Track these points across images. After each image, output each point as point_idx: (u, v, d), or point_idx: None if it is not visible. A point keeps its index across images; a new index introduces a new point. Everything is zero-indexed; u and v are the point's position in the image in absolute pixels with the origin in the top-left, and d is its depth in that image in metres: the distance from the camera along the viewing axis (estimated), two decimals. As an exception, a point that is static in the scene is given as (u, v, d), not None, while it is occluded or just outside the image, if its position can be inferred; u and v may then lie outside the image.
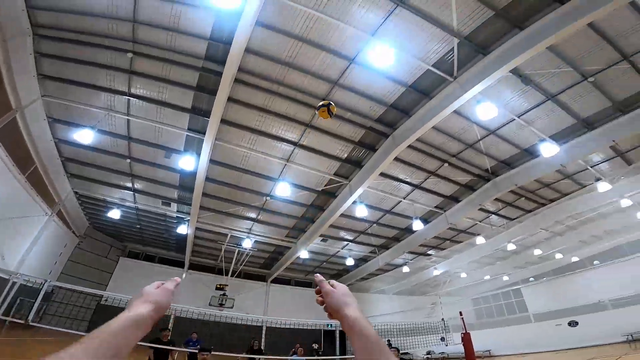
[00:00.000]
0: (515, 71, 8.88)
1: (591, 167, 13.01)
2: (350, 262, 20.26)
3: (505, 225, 17.41)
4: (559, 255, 22.76)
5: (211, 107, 9.54)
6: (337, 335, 24.45)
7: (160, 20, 8.34)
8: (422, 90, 9.64)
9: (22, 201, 12.85)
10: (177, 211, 16.34)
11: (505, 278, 26.64)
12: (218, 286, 20.52)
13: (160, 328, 6.99)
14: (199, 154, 11.32)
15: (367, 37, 8.13)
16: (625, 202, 14.51)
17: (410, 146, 11.45)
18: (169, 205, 15.98)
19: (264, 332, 21.49)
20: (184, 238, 18.00)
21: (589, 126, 10.82)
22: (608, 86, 9.53)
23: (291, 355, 12.14)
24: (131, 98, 10.34)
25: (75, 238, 18.67)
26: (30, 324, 11.58)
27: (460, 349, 11.28)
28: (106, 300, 17.40)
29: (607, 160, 13.05)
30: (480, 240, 16.98)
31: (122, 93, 10.24)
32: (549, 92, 9.71)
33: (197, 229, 16.50)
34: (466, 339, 10.63)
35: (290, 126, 11.02)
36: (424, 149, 12.14)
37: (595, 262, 22.59)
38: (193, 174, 12.34)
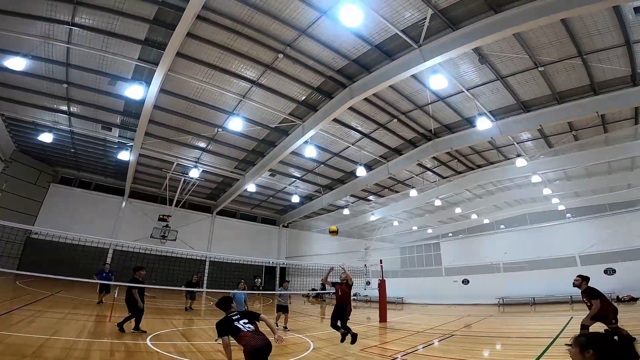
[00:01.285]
0: (476, 49, 9.59)
1: (517, 143, 15.02)
2: (296, 199, 21.26)
3: (437, 182, 19.46)
4: (474, 216, 26.06)
5: (167, 40, 9.07)
6: (277, 271, 26.29)
7: None
8: (386, 52, 10.05)
9: None
10: (119, 136, 15.43)
11: (430, 230, 29.84)
12: (161, 217, 19.97)
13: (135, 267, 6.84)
14: (148, 83, 10.80)
15: None
16: (536, 178, 16.95)
17: (365, 98, 12.07)
18: (110, 130, 14.99)
19: (207, 266, 22.12)
20: (125, 164, 17.22)
21: (525, 108, 12.35)
22: (554, 77, 10.78)
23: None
24: (74, 27, 9.33)
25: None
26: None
27: (377, 293, 12.67)
28: (37, 234, 16.09)
29: (532, 140, 15.13)
30: (413, 192, 18.87)
31: (64, 22, 9.20)
32: (500, 73, 10.73)
33: (141, 155, 15.96)
34: (381, 286, 12.12)
35: (251, 65, 10.85)
36: (378, 103, 12.84)
37: (501, 226, 26.14)
38: (140, 102, 11.77)
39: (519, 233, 22.47)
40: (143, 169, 18.72)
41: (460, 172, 18.33)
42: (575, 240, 18.14)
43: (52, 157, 18.87)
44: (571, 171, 18.37)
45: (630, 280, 14.13)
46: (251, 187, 18.66)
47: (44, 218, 18.27)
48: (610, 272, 15.15)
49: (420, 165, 17.55)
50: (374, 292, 16.63)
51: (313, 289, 22.36)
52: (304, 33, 9.49)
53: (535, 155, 15.72)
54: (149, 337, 6.01)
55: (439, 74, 9.77)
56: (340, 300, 6.49)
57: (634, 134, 13.51)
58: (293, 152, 15.22)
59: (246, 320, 3.47)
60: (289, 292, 9.38)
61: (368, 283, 16.46)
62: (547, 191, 19.43)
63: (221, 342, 3.50)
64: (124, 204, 20.95)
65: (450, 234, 28.85)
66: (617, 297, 13.96)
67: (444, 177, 19.30)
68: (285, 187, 21.16)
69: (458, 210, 24.14)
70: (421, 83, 11.48)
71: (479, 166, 17.94)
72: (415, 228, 29.29)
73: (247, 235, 25.46)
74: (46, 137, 14.59)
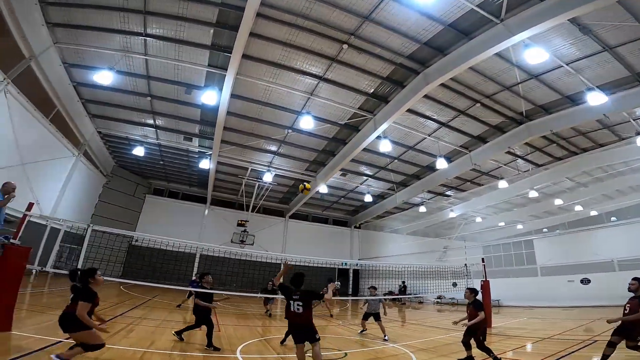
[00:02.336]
0: (573, 20, 8.06)
1: (634, 120, 12.10)
2: (368, 198, 20.45)
3: (531, 171, 16.87)
4: (578, 208, 21.89)
5: (232, 43, 9.13)
6: (351, 274, 25.65)
7: None
8: (462, 30, 8.91)
9: (50, 144, 13.23)
10: (199, 146, 16.47)
11: (520, 226, 26.28)
12: (240, 222, 21.24)
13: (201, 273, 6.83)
14: (220, 89, 11.08)
15: None
16: None
17: (442, 84, 10.91)
18: (191, 140, 16.10)
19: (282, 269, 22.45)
20: (205, 173, 18.47)
21: None
22: None
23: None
24: (147, 38, 9.98)
25: (102, 177, 19.36)
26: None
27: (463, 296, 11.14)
28: (136, 240, 18.15)
29: None
30: (503, 184, 16.61)
31: (138, 34, 9.89)
32: (607, 43, 8.84)
33: (218, 163, 16.76)
34: (485, 287, 10.40)
35: (315, 60, 10.49)
36: (456, 88, 11.49)
37: (612, 218, 21.89)
38: (214, 109, 12.22)
39: (634, 225, 18.45)
40: (221, 176, 19.79)
41: (560, 158, 15.65)
42: None
43: (145, 170, 21.11)
44: None
45: None
46: (322, 189, 18.33)
47: (141, 227, 20.54)
48: None
49: (509, 153, 15.36)
50: (459, 295, 15.03)
51: (390, 292, 21.26)
52: (367, 19, 8.82)
53: None
54: (240, 347, 5.76)
55: (533, 47, 8.24)
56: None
57: None
58: (365, 149, 14.44)
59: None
60: (378, 297, 8.58)
61: (454, 284, 14.74)
62: None
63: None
64: (206, 211, 22.64)
65: (545, 229, 25.38)
66: None
67: (539, 165, 16.63)
68: (357, 187, 20.48)
69: (558, 201, 20.64)
70: (507, 61, 9.97)
71: (584, 150, 15.02)
72: (502, 224, 26.06)
73: (319, 237, 25.45)
74: (139, 151, 16.21)
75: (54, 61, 10.97)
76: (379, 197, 22.14)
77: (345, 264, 25.47)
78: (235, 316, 10.10)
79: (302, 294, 4.04)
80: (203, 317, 5.45)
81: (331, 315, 11.74)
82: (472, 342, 4.96)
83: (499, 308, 17.46)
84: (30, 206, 4.95)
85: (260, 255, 18.25)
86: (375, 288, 8.70)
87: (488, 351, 4.86)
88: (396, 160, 16.74)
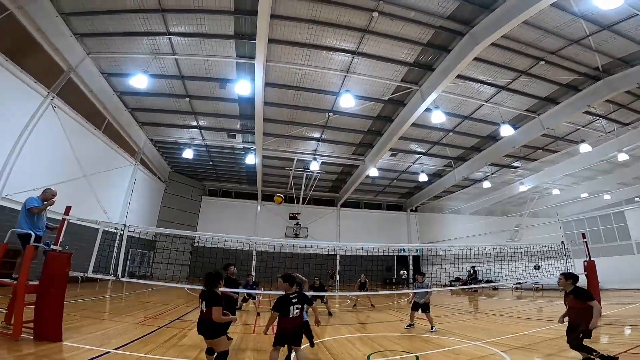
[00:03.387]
0: None
1: None
2: (423, 177, 19.03)
3: (616, 131, 14.13)
4: None
5: (254, 29, 8.62)
6: (411, 260, 24.30)
7: None
8: None
9: (107, 155, 14.06)
10: (243, 141, 16.53)
11: (607, 197, 22.33)
12: (292, 215, 21.22)
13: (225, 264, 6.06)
14: (253, 80, 10.70)
15: None
16: None
17: (494, 44, 9.47)
18: (234, 137, 16.22)
19: (337, 261, 22.14)
20: (253, 169, 18.59)
21: None
22: None
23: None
24: (172, 37, 9.90)
25: (162, 184, 20.59)
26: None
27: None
28: (198, 241, 18.64)
29: None
30: (585, 147, 14.06)
31: (162, 34, 9.82)
32: None
33: (264, 157, 16.72)
34: (590, 268, 8.45)
35: (346, 34, 9.64)
36: (512, 46, 9.95)
37: None
38: (251, 101, 11.94)
39: None
40: (268, 170, 19.87)
41: None
42: None
43: (198, 173, 22.05)
44: None
45: None
46: (373, 172, 17.36)
47: (201, 227, 21.75)
48: None
49: (588, 112, 12.97)
50: (545, 280, 13.09)
51: (457, 278, 19.68)
52: None
53: None
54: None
55: None
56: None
57: None
58: (414, 124, 13.17)
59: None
60: (424, 286, 7.46)
61: (537, 267, 12.75)
62: None
63: None
64: (258, 207, 23.17)
65: (637, 198, 21.20)
66: None
67: (625, 124, 13.86)
68: (410, 167, 19.11)
69: None
70: (569, 13, 8.40)
71: None
72: (585, 195, 22.47)
73: (373, 224, 24.61)
74: (188, 154, 16.84)
75: (93, 72, 11.40)
76: (434, 176, 20.50)
77: (404, 250, 24.27)
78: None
79: (300, 297, 3.72)
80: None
81: (372, 305, 10.91)
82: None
83: (602, 292, 15.04)
84: (67, 210, 4.93)
85: (315, 247, 18.08)
86: (423, 274, 7.59)
87: (589, 350, 3.74)
88: (451, 133, 15.13)
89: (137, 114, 14.53)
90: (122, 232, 5.77)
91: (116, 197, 15.25)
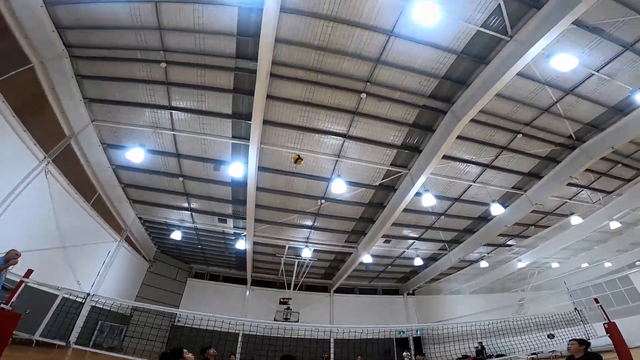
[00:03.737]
0: (580, 23, 7.60)
1: None
2: (418, 262, 18.49)
3: (602, 201, 14.52)
4: None
5: (251, 109, 8.97)
6: (412, 342, 22.50)
7: (185, 23, 8.07)
8: (477, 56, 8.45)
9: (91, 229, 13.39)
10: (234, 227, 16.20)
11: (608, 264, 22.31)
12: (282, 300, 20.13)
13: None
14: (247, 162, 10.84)
15: (402, 3, 7.26)
16: None
17: (473, 120, 10.06)
18: (225, 221, 15.90)
19: (332, 344, 20.44)
20: (243, 254, 17.88)
21: None
22: None
23: None
24: (173, 111, 10.26)
25: (145, 263, 19.54)
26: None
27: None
28: (179, 321, 17.90)
29: None
30: (576, 220, 14.23)
31: (164, 107, 10.17)
32: (624, 41, 8.12)
33: (254, 243, 16.22)
34: (613, 329, 8.21)
35: (336, 116, 10.16)
36: (491, 122, 10.57)
37: None
38: (244, 185, 11.98)
39: None
40: (259, 256, 19.16)
41: (630, 179, 13.69)
42: None
43: (185, 255, 21.08)
44: None
45: None
46: (366, 259, 16.92)
47: (184, 309, 19.85)
48: None
49: (571, 184, 13.42)
50: (562, 347, 11.95)
51: (465, 356, 17.92)
52: (378, 62, 8.60)
53: None
54: None
55: (558, 54, 7.64)
56: None
57: None
58: (405, 209, 13.18)
59: None
60: None
61: (551, 336, 11.67)
62: None
63: None
64: (247, 292, 21.91)
65: (638, 262, 20.99)
66: None
67: (609, 192, 14.37)
68: (404, 252, 18.72)
69: None
70: (534, 80, 9.18)
71: None
72: (584, 265, 22.21)
73: (369, 309, 23.33)
74: (176, 235, 16.29)
75: (93, 141, 11.24)
76: (430, 260, 20.04)
77: (402, 332, 22.54)
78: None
79: None
80: None
81: None
82: None
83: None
84: (28, 273, 5.12)
85: (308, 331, 16.46)
86: (423, 354, 6.82)
87: None
88: (443, 217, 15.19)
89: (129, 190, 14.25)
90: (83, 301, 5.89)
91: (93, 271, 14.13)
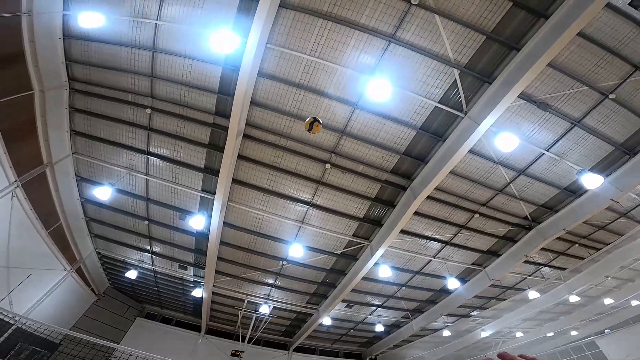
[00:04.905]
0: (529, 98, 8.07)
1: None
2: (380, 328, 18.15)
3: (562, 277, 14.89)
4: (635, 302, 18.95)
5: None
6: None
7: (175, 74, 8.55)
8: (435, 132, 8.84)
9: (42, 254, 12.69)
10: (194, 275, 15.65)
11: (574, 333, 22.43)
12: (233, 352, 18.70)
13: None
14: (211, 217, 10.87)
15: (366, 78, 7.80)
16: None
17: (433, 198, 10.51)
18: (186, 269, 15.40)
19: None
20: (200, 302, 17.10)
21: (630, 151, 9.23)
22: (633, 101, 8.28)
23: None
24: (149, 157, 10.39)
25: (93, 296, 18.23)
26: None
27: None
28: (116, 357, 15.94)
29: None
30: (533, 294, 14.55)
31: (142, 151, 10.34)
32: (572, 116, 8.55)
33: (213, 293, 15.67)
34: None
35: (302, 184, 10.43)
36: (450, 200, 10.92)
37: None
38: (208, 237, 11.78)
39: None
40: (217, 306, 18.38)
41: (587, 258, 14.09)
42: None
43: (140, 294, 19.92)
44: None
45: None
46: (327, 321, 16.62)
47: (125, 345, 18.28)
48: None
49: (529, 262, 13.73)
50: None
51: None
52: (343, 133, 9.00)
53: None
54: None
55: (502, 133, 7.80)
56: None
57: None
58: (368, 278, 13.29)
59: None
60: None
61: None
62: None
63: None
64: (200, 340, 20.54)
65: (607, 330, 21.24)
66: None
67: (564, 269, 14.74)
68: (366, 318, 18.35)
69: (608, 301, 17.75)
70: (488, 159, 9.56)
71: (609, 244, 13.45)
72: (550, 334, 22.18)
73: None
74: (131, 274, 15.63)
75: (69, 172, 11.16)
76: (393, 327, 19.65)
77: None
78: None
79: None
80: None
81: None
82: None
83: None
84: None
85: None
86: None
87: None
88: (404, 288, 15.17)
89: (93, 224, 13.80)
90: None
91: (33, 295, 13.27)
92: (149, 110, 9.31)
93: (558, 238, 11.93)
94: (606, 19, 6.95)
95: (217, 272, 13.98)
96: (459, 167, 9.72)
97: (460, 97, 7.97)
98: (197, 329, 20.73)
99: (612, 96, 8.14)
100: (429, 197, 10.04)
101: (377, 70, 7.71)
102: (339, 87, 8.20)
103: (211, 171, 10.30)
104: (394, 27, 7.15)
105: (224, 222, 11.55)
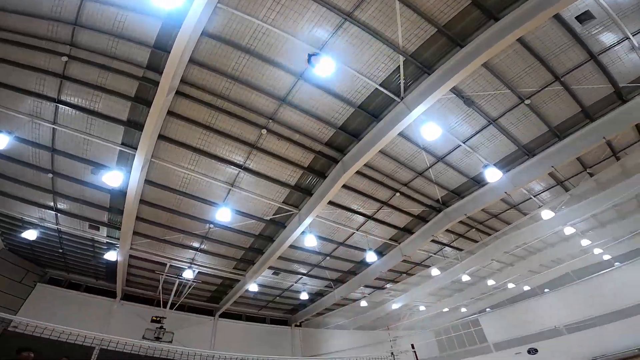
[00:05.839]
0: (458, 93, 8.97)
1: (534, 196, 13.40)
2: (304, 296, 19.05)
3: (459, 257, 17.12)
4: (511, 285, 22.94)
5: None
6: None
7: (104, 25, 7.68)
8: (372, 112, 9.36)
9: None
10: (108, 236, 14.42)
11: (464, 310, 26.35)
12: (154, 318, 17.68)
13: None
14: (130, 172, 10.06)
15: (315, 52, 7.82)
16: (569, 230, 14.90)
17: (362, 174, 11.17)
18: (98, 229, 14.08)
19: None
20: (115, 266, 15.82)
21: (530, 153, 11.01)
22: (544, 109, 9.81)
23: None
24: (60, 105, 9.19)
25: None
26: None
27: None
28: (15, 327, 14.45)
29: (548, 189, 13.54)
30: (435, 272, 16.59)
31: (51, 99, 9.10)
32: (490, 115, 9.80)
33: (131, 256, 14.71)
34: None
35: (236, 147, 10.22)
36: (376, 177, 11.74)
37: (545, 290, 22.86)
38: (125, 194, 10.91)
39: (571, 290, 19.07)
40: (135, 271, 17.29)
41: (481, 242, 16.34)
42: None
43: (41, 258, 17.78)
44: (602, 216, 16.27)
45: None
46: (253, 287, 16.80)
47: (25, 315, 16.26)
48: None
49: (435, 241, 15.56)
50: None
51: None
52: (284, 102, 9.02)
53: (557, 206, 13.62)
54: None
55: (429, 122, 8.80)
56: None
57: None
58: (295, 247, 13.78)
59: None
60: None
61: None
62: (585, 242, 17.27)
63: None
64: (115, 306, 19.04)
65: (488, 309, 25.43)
66: None
67: (463, 250, 17.08)
68: (292, 285, 19.00)
69: (491, 282, 21.25)
70: (415, 144, 10.55)
71: (499, 231, 15.82)
72: (446, 310, 25.83)
73: (255, 338, 22.38)
74: (30, 235, 13.79)
75: None
76: (317, 295, 20.69)
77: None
78: None
79: None
80: None
81: None
82: None
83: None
84: None
85: (184, 353, 15.02)
86: None
87: None
88: (329, 258, 16.03)
89: None
90: None
91: None
92: (64, 58, 8.28)
93: (460, 222, 13.76)
94: (548, 29, 7.84)
95: (135, 233, 13.13)
96: (388, 147, 10.47)
97: (400, 83, 8.49)
98: (111, 295, 19.20)
99: (527, 102, 9.45)
100: (357, 172, 10.70)
101: (327, 46, 7.81)
102: (286, 57, 8.14)
103: (135, 125, 9.52)
104: (354, 6, 7.26)
105: (147, 180, 10.86)
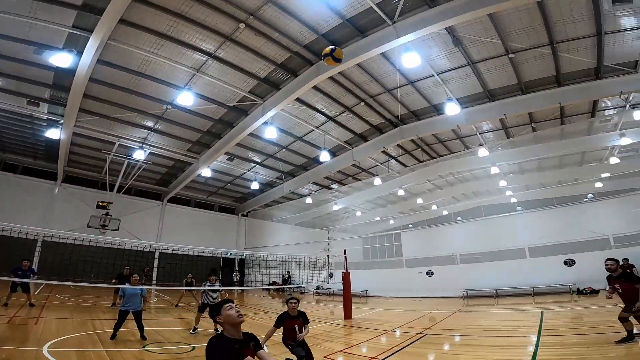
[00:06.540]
0: (450, 31, 9.21)
1: (480, 133, 15.09)
2: (255, 185, 20.15)
3: (401, 172, 19.18)
4: (434, 207, 26.31)
5: (108, 4, 7.62)
6: (237, 264, 24.89)
7: None
8: (359, 28, 9.36)
9: None
10: (49, 112, 13.18)
11: (392, 222, 29.61)
12: (100, 203, 17.35)
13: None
14: (80, 53, 9.24)
15: None
16: (494, 170, 17.20)
17: (333, 79, 11.45)
18: (37, 105, 12.74)
19: (156, 258, 20.34)
20: (57, 145, 14.93)
21: (491, 97, 12.27)
22: (522, 66, 10.69)
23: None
24: None
25: None
26: None
27: (341, 286, 11.53)
28: None
29: (493, 131, 15.31)
30: (377, 181, 18.55)
31: None
32: (472, 58, 10.45)
33: (75, 134, 13.90)
34: (345, 279, 11.21)
35: (207, 36, 9.65)
36: (345, 84, 12.12)
37: (458, 217, 26.97)
38: (73, 73, 10.04)
39: (475, 225, 23.46)
40: (79, 150, 16.44)
41: (423, 162, 18.26)
42: (524, 233, 19.46)
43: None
44: (525, 164, 19.01)
45: (588, 272, 14.03)
46: (206, 172, 17.18)
47: None
48: (570, 263, 15.63)
49: (385, 153, 17.17)
50: (337, 286, 15.57)
51: (274, 282, 21.50)
52: (270, 0, 8.50)
53: (494, 147, 15.83)
54: (48, 343, 4.92)
55: (411, 51, 9.16)
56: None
57: (587, 128, 14.03)
58: (253, 135, 14.17)
59: None
60: (216, 287, 8.02)
61: (331, 275, 15.64)
62: (502, 183, 20.06)
63: None
64: (57, 189, 18.26)
65: (410, 225, 29.26)
66: (578, 289, 14.34)
67: (407, 166, 19.07)
68: (245, 173, 19.83)
69: (419, 200, 24.28)
70: (392, 65, 10.95)
71: (441, 156, 17.94)
72: (377, 219, 28.96)
73: (202, 224, 23.54)
74: None
75: None
76: (267, 186, 21.98)
77: (230, 253, 24.56)
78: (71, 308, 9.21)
79: None
80: None
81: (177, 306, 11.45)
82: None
83: (367, 298, 19.40)
84: None
85: (126, 243, 15.53)
86: (213, 276, 8.05)
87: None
88: (284, 150, 16.85)
89: None
90: None
91: None
92: None
93: (411, 140, 15.22)
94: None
95: (82, 110, 12.31)
96: (366, 62, 10.65)
97: (398, 6, 8.32)
98: (52, 177, 18.30)
99: (511, 56, 10.00)
100: (330, 77, 11.01)
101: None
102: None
103: (91, 9, 8.34)
104: None
105: (102, 60, 10.00)
